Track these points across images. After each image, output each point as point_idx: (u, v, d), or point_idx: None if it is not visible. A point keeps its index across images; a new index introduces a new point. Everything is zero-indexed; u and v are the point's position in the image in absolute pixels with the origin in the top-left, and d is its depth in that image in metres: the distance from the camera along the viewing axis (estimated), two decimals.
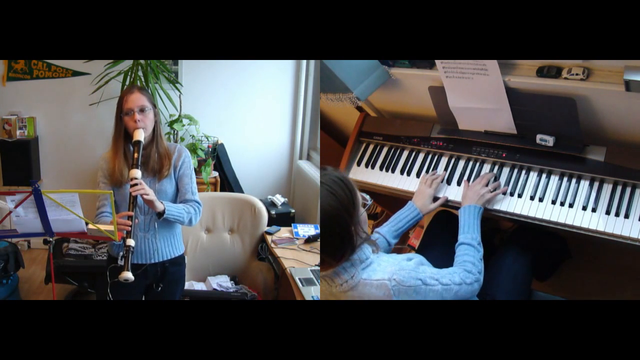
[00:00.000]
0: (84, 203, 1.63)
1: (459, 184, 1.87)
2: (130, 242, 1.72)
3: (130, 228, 1.72)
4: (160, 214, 1.83)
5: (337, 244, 1.32)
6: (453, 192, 1.86)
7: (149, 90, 3.27)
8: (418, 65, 1.87)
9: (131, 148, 1.85)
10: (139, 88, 1.87)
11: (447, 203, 1.85)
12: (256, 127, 3.90)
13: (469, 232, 1.63)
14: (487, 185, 1.76)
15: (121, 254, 1.78)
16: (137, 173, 1.76)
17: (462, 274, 1.49)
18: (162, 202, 1.82)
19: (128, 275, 1.68)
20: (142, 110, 1.82)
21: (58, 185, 3.63)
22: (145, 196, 1.75)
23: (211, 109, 3.78)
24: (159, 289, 1.96)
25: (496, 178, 1.80)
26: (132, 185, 1.74)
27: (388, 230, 1.77)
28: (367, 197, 1.47)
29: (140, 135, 1.80)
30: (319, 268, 2.29)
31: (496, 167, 1.83)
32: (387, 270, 1.36)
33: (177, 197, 1.95)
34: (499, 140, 1.81)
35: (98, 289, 2.87)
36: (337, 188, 1.30)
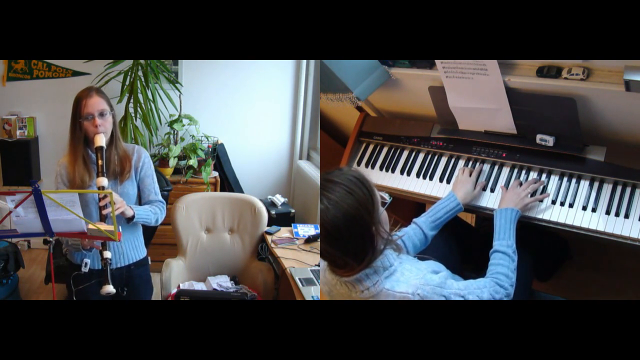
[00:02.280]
0: None
1: None
2: (107, 254, 1.71)
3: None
4: (129, 219, 1.82)
5: (359, 246, 1.27)
6: None
7: (149, 90, 3.28)
8: (418, 65, 1.87)
9: (90, 153, 1.81)
10: (97, 90, 1.81)
11: None
12: (256, 127, 3.90)
13: (504, 239, 1.53)
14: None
15: (86, 261, 1.80)
16: (103, 181, 1.73)
17: (493, 288, 1.40)
18: (131, 208, 1.81)
19: (110, 289, 1.66)
20: (102, 114, 1.77)
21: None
22: (118, 210, 1.73)
23: (211, 109, 3.78)
24: (124, 292, 1.92)
25: (545, 189, 1.69)
26: (101, 199, 1.71)
27: (425, 220, 1.66)
28: (386, 195, 1.40)
29: (102, 141, 1.76)
30: (319, 268, 2.30)
31: (496, 167, 1.83)
32: (411, 283, 1.31)
33: (140, 198, 1.93)
34: (499, 140, 1.81)
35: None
36: (355, 187, 1.24)
